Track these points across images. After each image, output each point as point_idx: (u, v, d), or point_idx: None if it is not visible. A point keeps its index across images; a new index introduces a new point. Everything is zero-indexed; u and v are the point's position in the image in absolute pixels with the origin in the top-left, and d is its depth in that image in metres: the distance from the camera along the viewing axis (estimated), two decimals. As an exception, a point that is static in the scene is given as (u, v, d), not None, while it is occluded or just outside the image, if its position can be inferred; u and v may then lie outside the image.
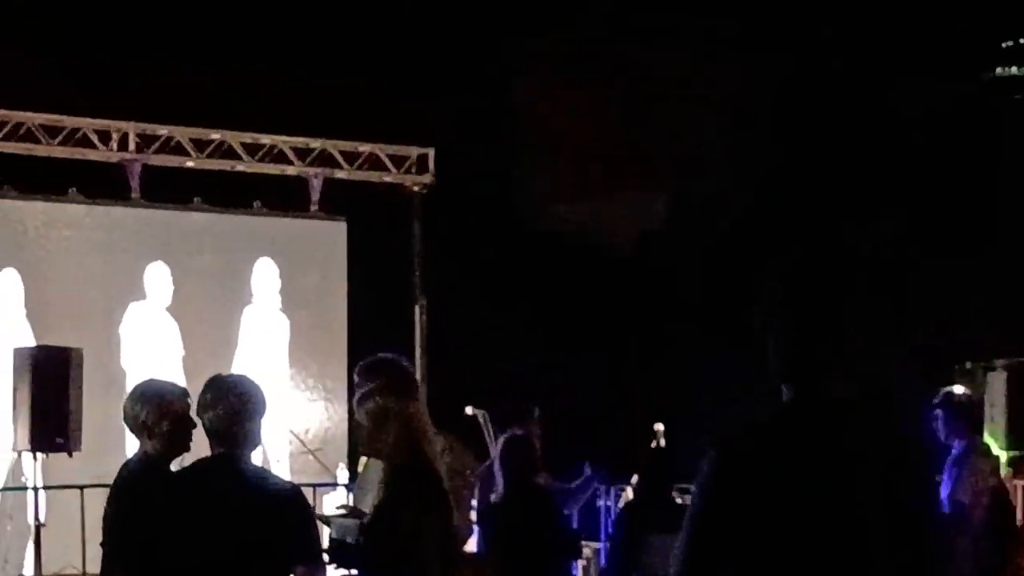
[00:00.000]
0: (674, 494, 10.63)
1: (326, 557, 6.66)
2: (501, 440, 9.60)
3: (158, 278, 16.66)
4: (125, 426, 7.37)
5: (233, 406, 6.29)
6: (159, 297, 16.64)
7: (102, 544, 7.24)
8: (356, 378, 7.87)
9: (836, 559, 4.55)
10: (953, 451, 10.64)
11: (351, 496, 12.27)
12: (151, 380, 7.71)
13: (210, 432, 6.32)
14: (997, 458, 11.54)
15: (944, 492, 10.52)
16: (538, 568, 9.14)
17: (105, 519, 7.08)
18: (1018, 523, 12.28)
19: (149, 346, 16.27)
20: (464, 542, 7.24)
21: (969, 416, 10.96)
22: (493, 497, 9.56)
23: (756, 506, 4.55)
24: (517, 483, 9.33)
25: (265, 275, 17.38)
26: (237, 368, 15.70)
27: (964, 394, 11.13)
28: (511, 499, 9.32)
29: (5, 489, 14.89)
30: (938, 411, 10.74)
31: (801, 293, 4.44)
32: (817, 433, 4.61)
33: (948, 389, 11.17)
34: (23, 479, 13.73)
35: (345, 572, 7.21)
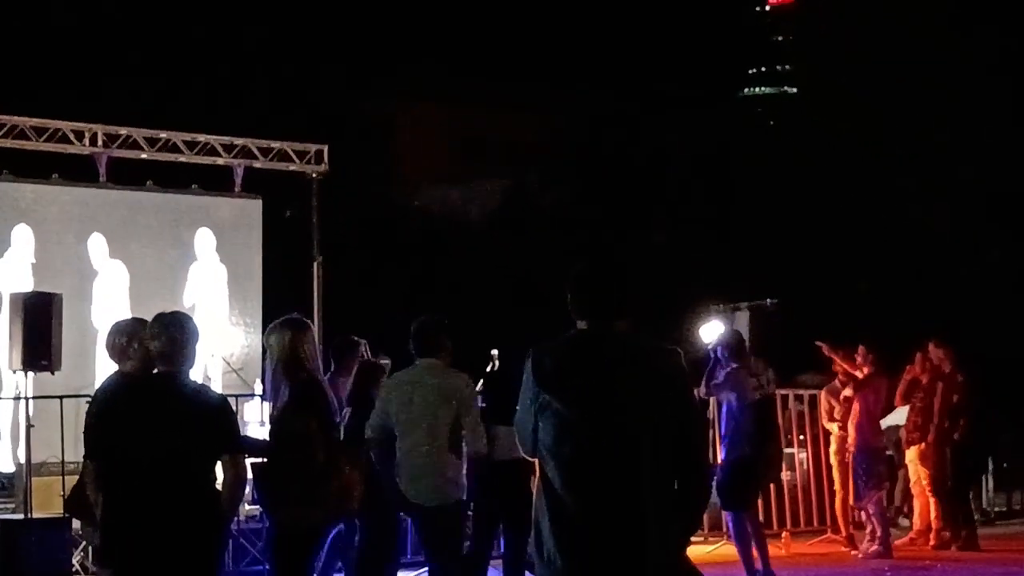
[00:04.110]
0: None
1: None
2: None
3: (96, 248, 16.37)
4: (88, 351, 7.32)
5: (173, 336, 6.26)
6: (100, 263, 16.34)
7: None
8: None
9: (607, 427, 5.03)
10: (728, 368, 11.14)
11: (264, 404, 12.27)
12: (125, 319, 7.64)
13: (156, 355, 6.30)
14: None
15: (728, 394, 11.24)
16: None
17: (87, 422, 6.92)
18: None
19: (110, 302, 15.95)
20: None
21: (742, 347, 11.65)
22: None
23: (542, 389, 5.06)
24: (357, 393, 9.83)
25: (205, 240, 17.17)
26: (187, 308, 15.47)
27: (737, 332, 11.85)
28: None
29: (3, 398, 14.71)
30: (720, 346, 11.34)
31: (586, 283, 5.19)
32: (598, 346, 5.16)
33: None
34: (17, 391, 13.53)
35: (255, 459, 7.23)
